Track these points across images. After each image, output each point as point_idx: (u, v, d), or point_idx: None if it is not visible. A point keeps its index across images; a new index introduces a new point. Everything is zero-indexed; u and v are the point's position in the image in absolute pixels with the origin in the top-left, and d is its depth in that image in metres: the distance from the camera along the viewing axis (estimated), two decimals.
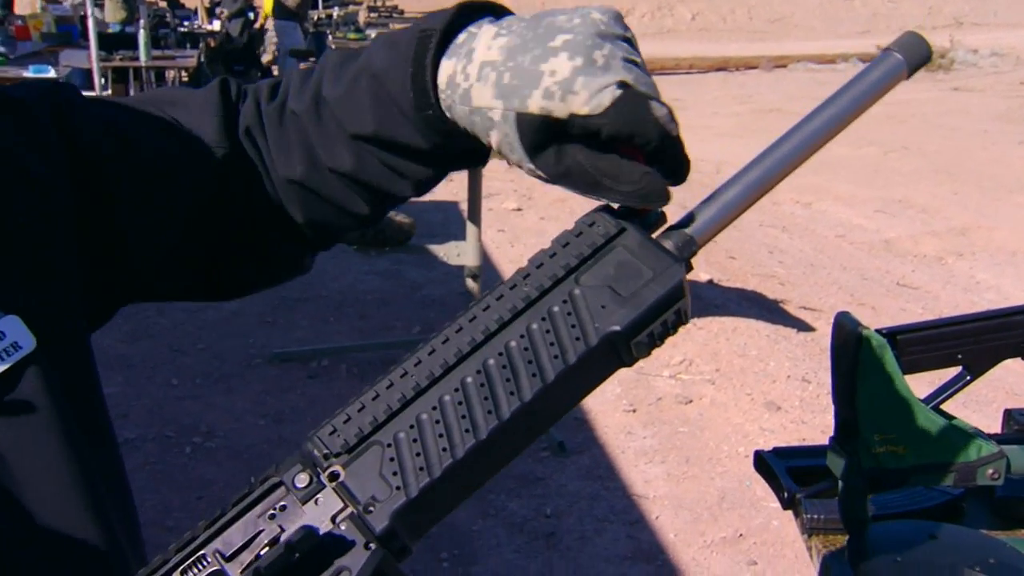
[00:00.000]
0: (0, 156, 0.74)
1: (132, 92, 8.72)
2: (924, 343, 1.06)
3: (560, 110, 0.64)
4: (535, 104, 0.65)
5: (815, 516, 1.21)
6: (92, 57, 7.74)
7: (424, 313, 5.11)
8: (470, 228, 4.16)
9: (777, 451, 1.36)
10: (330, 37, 10.51)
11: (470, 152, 0.75)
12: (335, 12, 11.49)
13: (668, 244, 0.63)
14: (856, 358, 1.02)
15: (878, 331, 1.06)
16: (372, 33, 9.40)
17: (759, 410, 3.96)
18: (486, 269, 4.72)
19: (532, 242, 6.23)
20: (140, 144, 0.82)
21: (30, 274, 0.74)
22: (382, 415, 0.59)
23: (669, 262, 0.61)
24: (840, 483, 1.09)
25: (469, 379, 0.60)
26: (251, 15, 12.31)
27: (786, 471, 1.30)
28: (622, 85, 0.64)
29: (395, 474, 0.58)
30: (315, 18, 11.92)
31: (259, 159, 0.83)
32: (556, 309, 0.61)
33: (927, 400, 1.09)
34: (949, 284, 6.03)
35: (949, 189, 8.42)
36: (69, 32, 9.11)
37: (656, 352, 0.63)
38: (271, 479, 0.60)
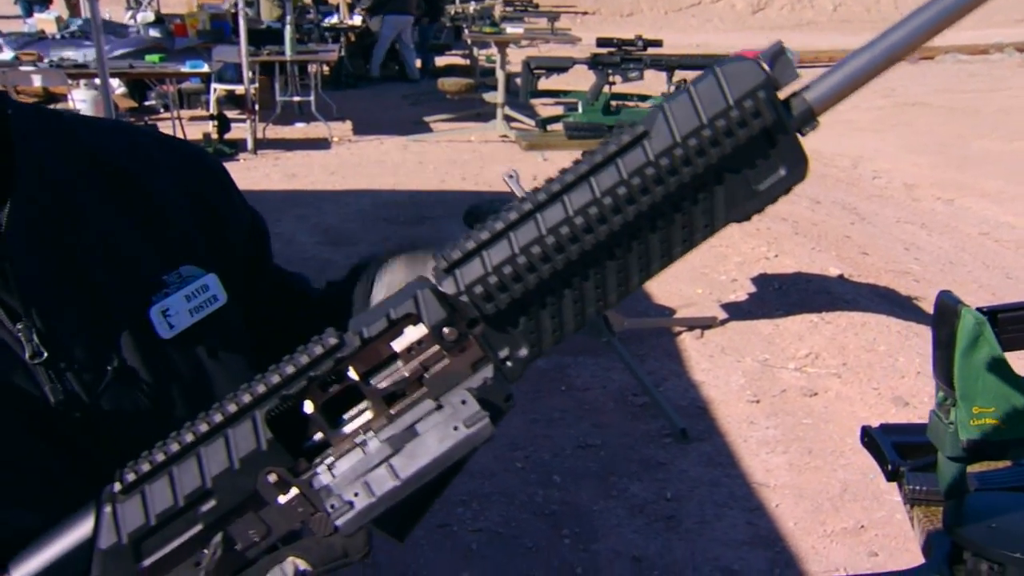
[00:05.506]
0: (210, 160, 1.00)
1: (277, 85, 9.15)
2: None
3: None
4: None
5: (917, 487, 1.27)
6: (242, 52, 8.18)
7: None
8: None
9: (884, 427, 1.42)
10: (466, 31, 10.73)
11: None
12: (472, 6, 11.72)
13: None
14: (954, 334, 1.07)
15: (978, 309, 1.11)
16: (508, 28, 9.56)
17: (886, 405, 3.91)
18: None
19: None
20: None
21: (225, 248, 0.93)
22: (533, 285, 0.64)
23: (800, 163, 0.63)
24: (939, 453, 1.15)
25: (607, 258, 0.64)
26: None
27: (892, 446, 1.36)
28: None
29: (532, 333, 0.65)
30: (452, 12, 12.18)
31: None
32: (700, 196, 0.64)
33: None
34: None
35: None
36: (221, 28, 9.62)
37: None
38: (409, 314, 0.64)
